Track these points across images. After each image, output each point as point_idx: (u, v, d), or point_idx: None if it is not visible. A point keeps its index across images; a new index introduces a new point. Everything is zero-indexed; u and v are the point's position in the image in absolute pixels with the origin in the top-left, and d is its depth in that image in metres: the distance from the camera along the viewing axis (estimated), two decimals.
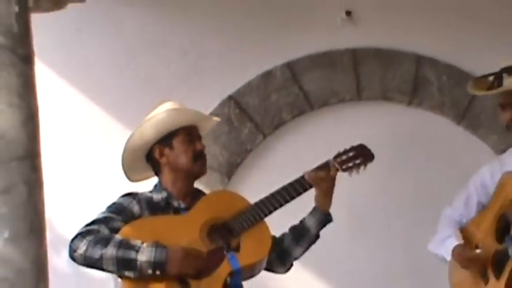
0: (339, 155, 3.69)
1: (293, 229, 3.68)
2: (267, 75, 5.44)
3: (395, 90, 5.50)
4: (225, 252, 3.44)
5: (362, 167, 3.69)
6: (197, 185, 3.71)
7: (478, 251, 3.55)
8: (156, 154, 3.63)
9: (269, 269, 3.71)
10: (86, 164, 5.28)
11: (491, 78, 3.63)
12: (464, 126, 5.45)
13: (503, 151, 4.06)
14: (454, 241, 3.67)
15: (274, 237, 3.65)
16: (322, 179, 3.60)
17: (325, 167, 3.65)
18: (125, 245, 3.34)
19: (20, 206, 3.22)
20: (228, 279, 3.40)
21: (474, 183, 3.80)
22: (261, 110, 5.41)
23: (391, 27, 5.47)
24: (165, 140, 3.61)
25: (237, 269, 3.41)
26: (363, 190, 5.15)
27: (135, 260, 3.31)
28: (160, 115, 3.62)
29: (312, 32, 5.42)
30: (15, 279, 3.09)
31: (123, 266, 3.34)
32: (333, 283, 5.26)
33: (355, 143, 3.88)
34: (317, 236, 3.68)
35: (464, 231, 3.70)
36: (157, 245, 3.35)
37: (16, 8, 3.26)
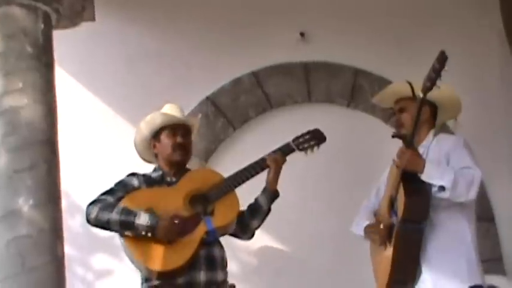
0: (297, 138, 3.73)
1: (249, 207, 3.72)
2: (237, 81, 5.45)
3: (337, 95, 5.52)
4: (202, 216, 3.48)
5: (316, 147, 3.74)
6: None
7: (381, 226, 3.58)
8: (152, 146, 3.70)
9: (237, 236, 3.77)
10: (94, 147, 5.27)
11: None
12: (390, 125, 5.43)
13: None
14: (366, 222, 3.72)
15: (241, 212, 3.69)
16: (276, 162, 3.63)
17: (281, 150, 3.68)
18: (126, 211, 3.41)
19: (42, 179, 3.26)
20: (205, 237, 3.45)
21: (382, 178, 3.81)
22: (232, 108, 5.42)
23: (336, 46, 5.48)
24: (156, 135, 3.68)
25: (211, 229, 3.46)
26: (312, 173, 5.19)
27: (133, 223, 3.38)
28: (147, 118, 3.70)
29: (274, 48, 5.43)
30: (37, 236, 3.14)
31: (124, 227, 3.41)
32: (287, 241, 5.28)
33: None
34: (269, 210, 3.71)
35: (376, 213, 3.72)
36: (150, 213, 3.41)
37: (42, 25, 3.29)
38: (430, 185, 3.35)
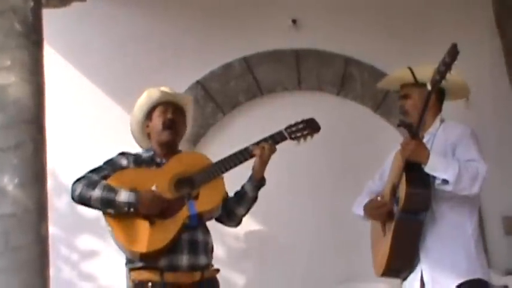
0: (290, 126, 3.66)
1: (236, 193, 3.69)
2: (228, 66, 5.42)
3: (327, 83, 5.50)
4: (185, 200, 3.46)
5: (309, 137, 3.67)
6: None
7: (378, 198, 3.60)
8: (145, 127, 3.70)
9: (223, 222, 3.75)
10: (81, 126, 5.24)
11: None
12: (379, 114, 5.50)
13: None
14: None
15: (228, 198, 3.67)
16: (262, 151, 3.55)
17: (272, 138, 3.61)
18: (108, 188, 3.42)
19: (28, 159, 3.22)
20: (187, 221, 3.43)
21: (387, 161, 3.81)
22: (222, 93, 5.38)
23: (327, 34, 5.48)
24: (149, 115, 3.68)
25: (193, 213, 3.43)
26: (300, 159, 5.17)
27: (114, 201, 3.38)
28: (142, 97, 3.70)
29: (265, 34, 5.42)
30: (22, 215, 3.10)
31: (106, 204, 3.41)
32: (274, 227, 5.27)
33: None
34: (255, 198, 3.67)
35: (379, 196, 3.70)
36: (131, 189, 3.42)
37: (31, 3, 3.25)
38: (432, 177, 3.33)
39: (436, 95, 3.52)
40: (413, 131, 3.33)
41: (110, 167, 3.57)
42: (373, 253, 3.73)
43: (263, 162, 3.59)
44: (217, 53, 5.37)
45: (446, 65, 3.18)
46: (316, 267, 5.18)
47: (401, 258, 3.45)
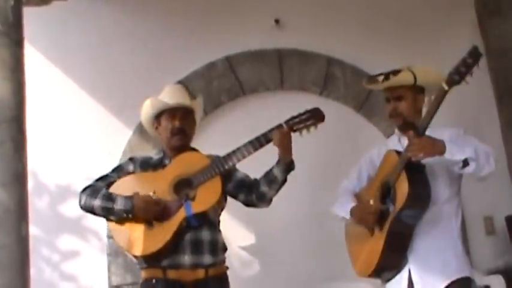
0: (292, 118, 3.60)
1: (266, 176, 3.65)
2: (211, 66, 5.40)
3: (310, 83, 5.51)
4: (183, 202, 3.48)
5: (313, 128, 3.62)
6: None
7: (371, 202, 3.54)
8: (154, 129, 3.73)
9: (254, 206, 3.73)
10: (63, 126, 5.20)
11: (381, 77, 3.66)
12: (362, 114, 5.51)
13: (390, 135, 4.08)
14: (352, 204, 3.67)
15: (255, 181, 3.68)
16: (279, 136, 3.53)
17: (278, 127, 3.57)
18: (106, 197, 3.50)
19: (8, 158, 3.20)
20: (184, 222, 3.46)
21: (365, 160, 3.79)
22: (205, 93, 5.30)
23: (310, 34, 5.49)
24: (158, 117, 3.68)
25: (190, 215, 3.46)
26: None
27: (113, 208, 3.47)
28: (146, 103, 3.69)
29: (248, 34, 5.42)
30: (2, 216, 3.09)
31: (106, 212, 3.50)
32: (256, 227, 5.26)
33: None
34: (285, 180, 3.63)
35: (358, 197, 3.71)
36: (126, 196, 3.48)
37: (12, 2, 3.24)
38: (451, 165, 3.31)
39: (422, 96, 3.55)
40: (420, 131, 3.30)
41: (117, 173, 3.65)
42: (354, 254, 3.70)
43: (284, 148, 3.56)
44: (199, 53, 5.36)
45: (467, 67, 3.14)
46: (299, 266, 5.18)
47: (393, 258, 3.45)
